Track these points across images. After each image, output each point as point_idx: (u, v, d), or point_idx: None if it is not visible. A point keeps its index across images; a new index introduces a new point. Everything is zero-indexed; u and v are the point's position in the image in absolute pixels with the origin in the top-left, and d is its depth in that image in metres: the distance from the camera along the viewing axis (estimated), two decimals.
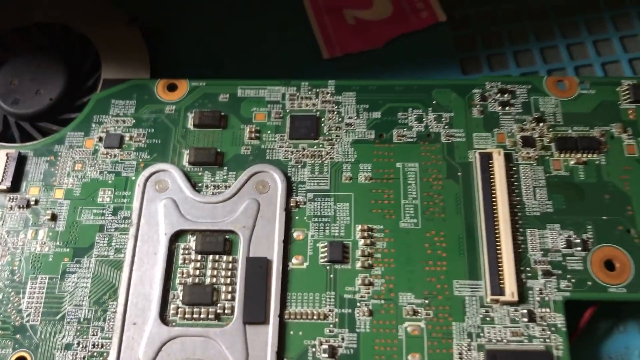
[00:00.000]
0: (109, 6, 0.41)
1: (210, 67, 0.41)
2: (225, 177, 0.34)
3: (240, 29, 0.43)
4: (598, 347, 0.33)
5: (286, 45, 0.42)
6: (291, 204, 0.34)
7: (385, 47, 0.42)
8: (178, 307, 0.31)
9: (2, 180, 0.34)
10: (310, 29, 0.43)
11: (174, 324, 0.31)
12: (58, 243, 0.33)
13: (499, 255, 0.32)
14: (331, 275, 0.32)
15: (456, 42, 0.42)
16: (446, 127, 0.35)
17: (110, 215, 0.34)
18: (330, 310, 0.31)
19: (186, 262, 0.32)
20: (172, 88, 0.37)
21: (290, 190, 0.34)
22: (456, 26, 0.43)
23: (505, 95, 0.36)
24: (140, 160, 0.35)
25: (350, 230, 0.33)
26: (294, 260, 0.32)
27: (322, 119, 0.36)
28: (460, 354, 0.30)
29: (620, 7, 0.43)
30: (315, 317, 0.31)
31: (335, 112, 0.36)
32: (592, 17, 0.43)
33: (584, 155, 0.34)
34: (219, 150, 0.35)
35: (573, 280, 0.31)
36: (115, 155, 0.35)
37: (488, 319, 0.31)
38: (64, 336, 0.31)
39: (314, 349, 0.31)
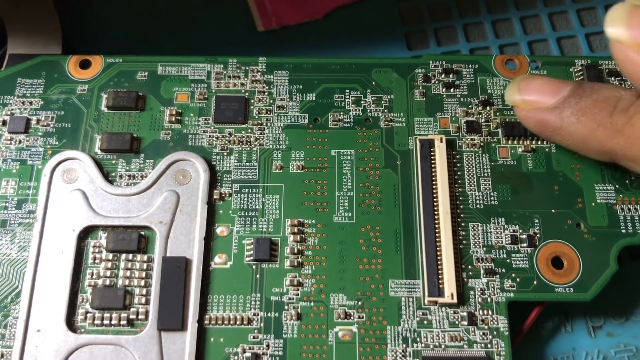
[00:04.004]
0: None
1: (133, 42, 0.38)
2: (141, 165, 0.31)
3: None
4: (543, 348, 0.31)
5: (217, 17, 0.39)
6: (215, 197, 0.31)
7: (325, 18, 0.39)
8: (87, 312, 0.29)
9: None
10: None
11: (82, 330, 0.28)
12: None
13: (438, 253, 0.29)
14: (257, 276, 0.29)
15: (402, 14, 0.39)
16: (385, 110, 0.32)
17: (13, 208, 0.30)
18: (255, 314, 0.29)
19: (96, 261, 0.29)
20: (85, 65, 0.33)
21: (214, 180, 0.31)
22: None
23: (450, 75, 0.33)
24: (48, 146, 0.31)
25: (279, 225, 0.30)
26: (216, 259, 0.30)
27: (252, 101, 0.33)
28: None
29: None
30: (238, 322, 0.28)
31: (266, 93, 0.33)
32: None
33: (533, 142, 0.32)
34: (135, 135, 0.32)
35: (518, 279, 0.29)
36: (20, 141, 0.32)
37: (425, 322, 0.29)
38: None
39: (236, 357, 0.28)
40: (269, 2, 0.39)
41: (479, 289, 0.29)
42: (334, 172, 0.31)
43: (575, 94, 0.28)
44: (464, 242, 0.30)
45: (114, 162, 0.31)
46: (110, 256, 0.29)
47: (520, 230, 0.30)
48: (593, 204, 0.31)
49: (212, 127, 0.32)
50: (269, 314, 0.29)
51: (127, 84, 0.33)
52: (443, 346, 0.28)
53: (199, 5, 0.39)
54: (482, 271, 0.29)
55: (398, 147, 0.32)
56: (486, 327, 0.28)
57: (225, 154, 0.31)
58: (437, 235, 0.29)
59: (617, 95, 0.27)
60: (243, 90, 0.33)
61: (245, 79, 0.33)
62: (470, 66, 0.33)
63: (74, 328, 0.28)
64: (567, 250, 0.30)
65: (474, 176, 0.31)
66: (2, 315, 0.29)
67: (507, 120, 0.32)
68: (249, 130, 0.32)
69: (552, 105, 0.28)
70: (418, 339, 0.28)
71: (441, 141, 0.31)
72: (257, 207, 0.31)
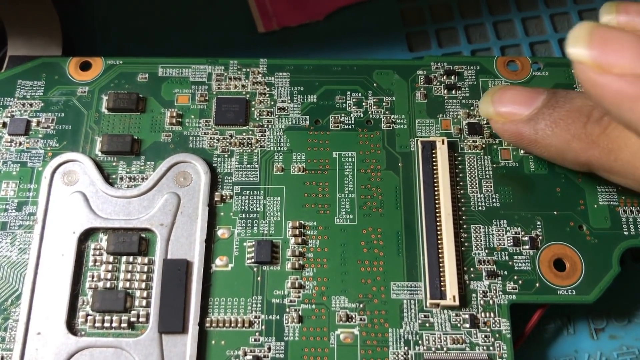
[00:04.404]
0: None
1: (134, 43, 0.37)
2: (142, 167, 0.31)
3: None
4: (546, 351, 0.31)
5: (218, 18, 0.39)
6: (216, 199, 0.30)
7: (326, 20, 0.38)
8: (87, 315, 0.28)
9: None
10: None
11: (82, 333, 0.28)
12: None
13: (440, 255, 0.29)
14: (258, 278, 0.29)
15: (403, 15, 0.39)
16: (387, 112, 0.32)
17: (13, 211, 0.30)
18: (256, 317, 0.29)
19: (97, 264, 0.29)
20: (85, 67, 0.33)
21: (215, 182, 0.31)
22: None
23: (452, 77, 0.33)
24: (48, 148, 0.31)
25: (280, 227, 0.30)
26: (217, 262, 0.29)
27: (252, 103, 0.32)
28: None
29: None
30: (239, 325, 0.28)
31: (267, 95, 0.33)
32: None
33: None
34: (135, 137, 0.31)
35: (520, 281, 0.29)
36: (20, 143, 0.31)
37: (427, 324, 0.28)
38: None
39: None
40: (269, 3, 0.38)
41: (481, 292, 0.29)
42: (335, 174, 0.31)
43: (549, 104, 0.27)
44: (465, 244, 0.30)
45: (114, 164, 0.31)
46: (111, 258, 0.29)
47: (522, 232, 0.30)
48: (595, 205, 0.30)
49: (213, 129, 0.32)
50: (270, 317, 0.29)
51: (128, 86, 0.33)
52: (445, 349, 0.28)
53: (200, 6, 0.39)
54: (484, 273, 0.29)
55: (399, 149, 0.31)
56: (488, 329, 0.28)
57: (226, 155, 0.31)
58: (438, 237, 0.29)
59: (590, 105, 0.27)
60: (244, 92, 0.33)
61: (246, 81, 0.33)
62: (471, 67, 0.33)
63: (75, 331, 0.28)
64: (569, 253, 0.30)
65: (476, 178, 0.31)
66: (3, 318, 0.28)
67: None
68: (250, 132, 0.32)
69: (526, 116, 0.28)
70: (420, 342, 0.28)
71: (443, 143, 0.31)
72: (258, 209, 0.30)
